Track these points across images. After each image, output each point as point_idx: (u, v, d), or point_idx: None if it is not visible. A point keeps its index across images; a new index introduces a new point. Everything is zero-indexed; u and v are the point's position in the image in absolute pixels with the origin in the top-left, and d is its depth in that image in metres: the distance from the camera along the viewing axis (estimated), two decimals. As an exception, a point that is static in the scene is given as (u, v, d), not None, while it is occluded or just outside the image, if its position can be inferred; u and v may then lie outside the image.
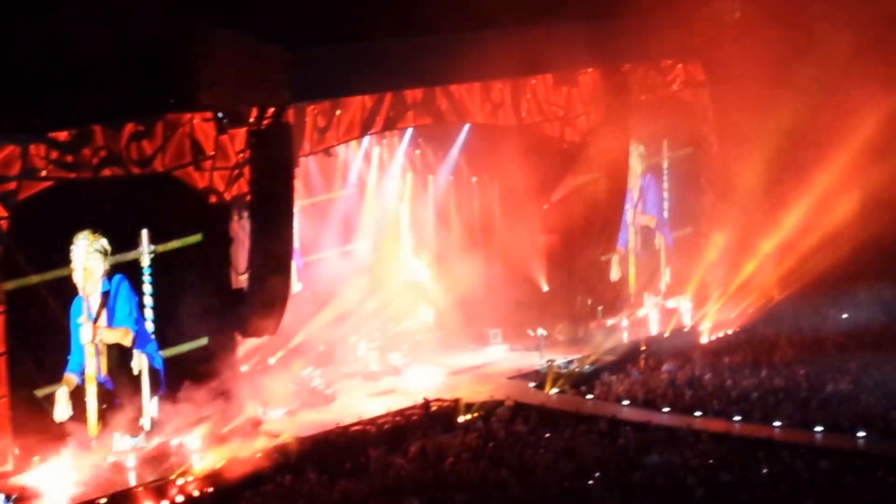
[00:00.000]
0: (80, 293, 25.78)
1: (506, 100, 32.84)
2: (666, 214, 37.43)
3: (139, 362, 26.43)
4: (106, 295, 26.08)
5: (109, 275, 26.05)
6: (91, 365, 25.93)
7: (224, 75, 25.53)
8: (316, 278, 32.32)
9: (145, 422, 26.37)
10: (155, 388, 26.53)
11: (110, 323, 26.13)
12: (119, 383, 26.32)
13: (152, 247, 26.57)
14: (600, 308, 35.54)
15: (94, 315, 25.90)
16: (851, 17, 34.72)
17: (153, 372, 26.62)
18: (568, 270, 34.65)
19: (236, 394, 27.32)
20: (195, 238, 27.29)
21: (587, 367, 31.47)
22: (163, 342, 26.91)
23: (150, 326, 26.72)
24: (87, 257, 25.71)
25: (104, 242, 25.86)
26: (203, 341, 27.26)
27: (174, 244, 26.94)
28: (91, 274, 25.75)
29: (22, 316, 25.01)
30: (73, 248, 25.71)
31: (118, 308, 26.23)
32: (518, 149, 33.14)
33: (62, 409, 25.42)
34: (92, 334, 25.89)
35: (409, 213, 34.71)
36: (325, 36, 26.97)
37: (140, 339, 26.44)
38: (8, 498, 23.47)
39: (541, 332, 32.46)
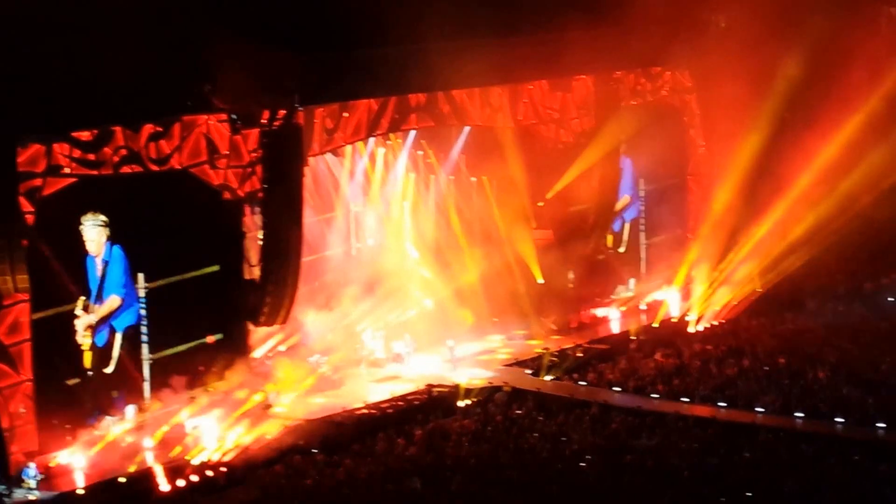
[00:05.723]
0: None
1: (504, 104, 33.99)
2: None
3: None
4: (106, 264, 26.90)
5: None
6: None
7: (237, 80, 26.86)
8: (324, 271, 33.37)
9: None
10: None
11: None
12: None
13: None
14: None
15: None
16: (836, 25, 35.84)
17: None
18: (561, 263, 35.67)
19: (249, 379, 28.61)
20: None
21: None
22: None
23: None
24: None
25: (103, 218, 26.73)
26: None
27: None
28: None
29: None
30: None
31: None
32: (515, 150, 34.28)
33: None
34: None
35: (412, 210, 35.56)
36: (332, 43, 28.05)
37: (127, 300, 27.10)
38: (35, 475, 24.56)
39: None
